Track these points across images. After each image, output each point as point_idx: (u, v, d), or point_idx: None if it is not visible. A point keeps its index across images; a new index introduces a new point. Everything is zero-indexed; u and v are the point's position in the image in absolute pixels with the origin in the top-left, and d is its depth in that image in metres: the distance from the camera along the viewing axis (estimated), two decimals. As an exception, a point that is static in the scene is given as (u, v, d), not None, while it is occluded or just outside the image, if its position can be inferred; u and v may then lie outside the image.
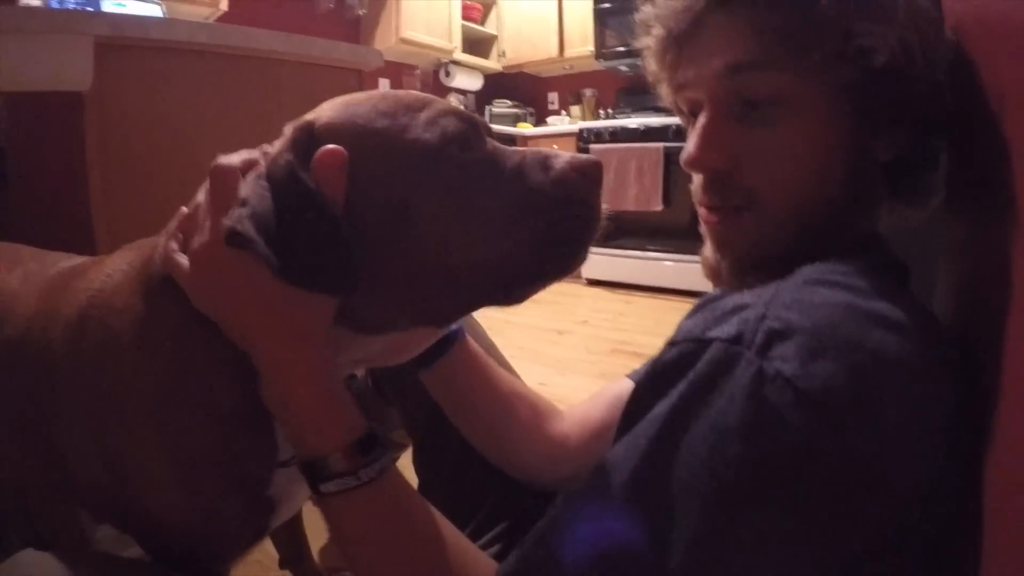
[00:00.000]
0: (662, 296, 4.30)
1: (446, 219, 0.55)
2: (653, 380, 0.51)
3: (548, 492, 0.87)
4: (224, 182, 0.54)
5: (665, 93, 0.76)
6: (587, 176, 0.59)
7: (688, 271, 4.19)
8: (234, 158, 0.56)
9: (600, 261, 4.53)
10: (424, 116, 0.57)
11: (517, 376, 0.94)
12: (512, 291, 0.60)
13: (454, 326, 0.81)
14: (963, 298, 0.63)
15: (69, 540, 0.93)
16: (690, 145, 0.65)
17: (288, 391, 0.55)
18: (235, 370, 0.58)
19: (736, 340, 0.46)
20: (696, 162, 0.65)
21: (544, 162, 0.59)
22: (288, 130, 0.56)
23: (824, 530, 0.44)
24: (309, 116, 0.58)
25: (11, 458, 0.76)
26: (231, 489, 0.63)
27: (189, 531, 0.64)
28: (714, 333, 0.48)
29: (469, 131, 0.58)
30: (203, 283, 0.55)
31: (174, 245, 0.58)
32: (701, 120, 0.64)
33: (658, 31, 0.70)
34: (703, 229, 0.70)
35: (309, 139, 0.54)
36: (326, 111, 0.58)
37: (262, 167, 0.54)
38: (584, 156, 0.60)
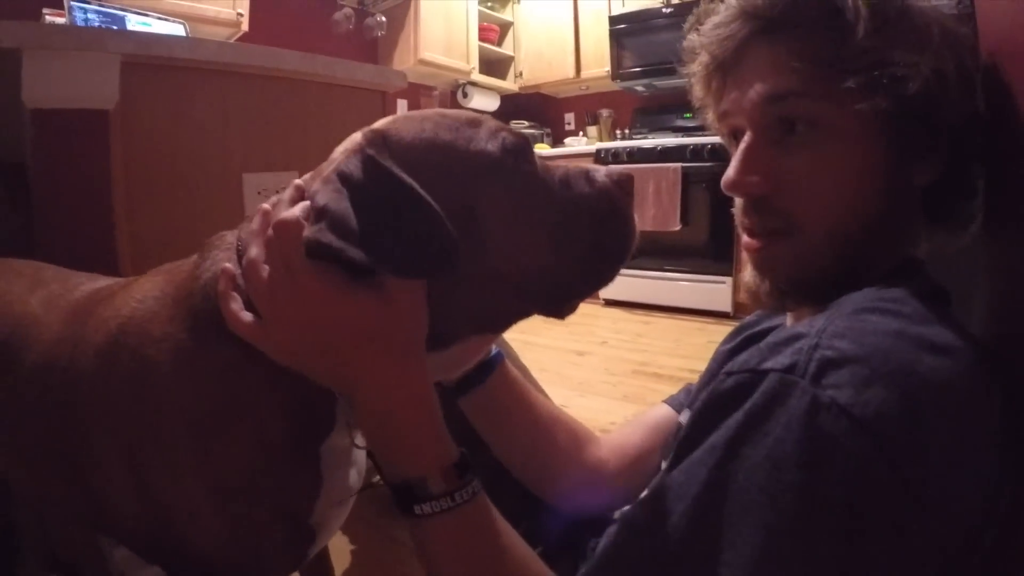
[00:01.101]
0: (681, 316, 4.27)
1: (509, 225, 0.58)
2: (710, 409, 0.52)
3: (582, 518, 0.87)
4: (289, 233, 0.54)
5: (711, 119, 0.77)
6: (623, 188, 0.64)
7: (706, 291, 4.17)
8: (294, 210, 0.55)
9: (618, 281, 4.33)
10: (484, 130, 0.59)
11: (551, 400, 0.94)
12: (563, 295, 0.63)
13: (493, 351, 0.83)
14: (1002, 321, 0.64)
15: (89, 564, 0.92)
16: (730, 169, 0.66)
17: (392, 414, 0.55)
18: (285, 404, 0.59)
19: (790, 370, 0.47)
20: (735, 185, 0.66)
21: (587, 175, 0.63)
22: (358, 136, 0.58)
23: (878, 555, 0.44)
24: (377, 126, 0.59)
25: (34, 484, 0.76)
26: (273, 520, 0.63)
27: (227, 563, 0.63)
28: (769, 364, 0.49)
29: (524, 144, 0.60)
30: (287, 333, 0.55)
31: (237, 305, 0.58)
32: (742, 144, 0.66)
33: (703, 58, 0.72)
34: (745, 254, 0.72)
35: (383, 140, 0.56)
36: (393, 123, 0.60)
37: (327, 172, 0.55)
38: (618, 169, 0.65)
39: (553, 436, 0.89)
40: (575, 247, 0.60)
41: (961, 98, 0.60)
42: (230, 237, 0.65)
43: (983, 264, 0.70)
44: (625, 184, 0.64)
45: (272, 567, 0.67)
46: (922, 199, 0.65)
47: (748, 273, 0.71)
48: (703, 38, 0.71)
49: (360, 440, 0.67)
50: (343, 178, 0.52)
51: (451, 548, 0.56)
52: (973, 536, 0.48)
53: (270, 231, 0.56)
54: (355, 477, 0.72)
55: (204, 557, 0.62)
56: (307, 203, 0.55)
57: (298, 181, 0.60)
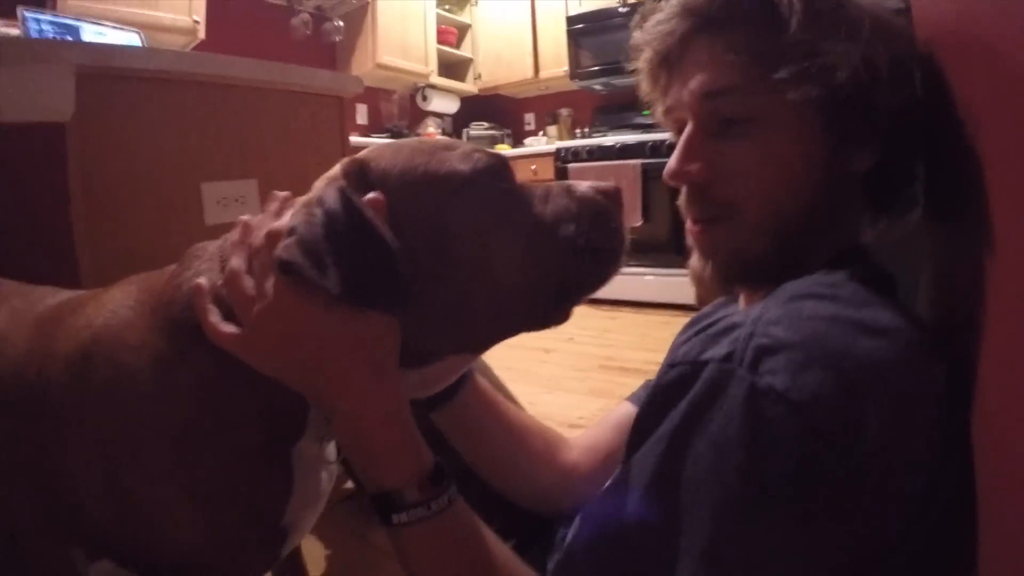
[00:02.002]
0: (646, 311, 4.31)
1: (484, 242, 0.59)
2: (655, 402, 0.54)
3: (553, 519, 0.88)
4: (259, 256, 0.56)
5: (659, 114, 0.79)
6: (609, 196, 0.65)
7: (670, 285, 4.21)
8: (285, 221, 0.56)
9: None
10: (458, 152, 0.61)
11: (523, 409, 0.95)
12: (551, 310, 0.63)
13: None
14: (941, 303, 0.66)
15: None
16: (671, 159, 0.69)
17: (368, 427, 0.56)
18: (260, 409, 0.60)
19: (728, 359, 0.49)
20: (675, 174, 0.69)
21: (568, 188, 0.65)
22: (339, 167, 0.59)
23: (826, 533, 0.46)
24: (358, 156, 0.61)
25: (3, 500, 0.75)
26: (249, 522, 0.64)
27: (203, 566, 0.64)
28: (708, 354, 0.50)
29: (498, 164, 0.62)
30: (268, 344, 0.56)
31: (215, 318, 0.58)
32: (683, 135, 0.69)
33: (647, 54, 0.74)
34: (689, 240, 0.74)
35: (360, 170, 0.58)
36: (372, 151, 0.61)
37: (312, 196, 0.56)
38: (604, 183, 0.66)
39: (527, 445, 0.89)
40: (557, 260, 0.61)
41: (895, 86, 0.62)
42: (211, 247, 0.65)
43: (925, 249, 0.72)
44: (610, 193, 0.65)
45: (245, 568, 0.68)
46: (862, 185, 0.67)
47: (693, 259, 0.74)
48: (646, 34, 0.73)
49: (330, 451, 0.68)
50: (319, 203, 0.53)
51: (430, 554, 0.57)
52: (917, 513, 0.49)
53: (257, 241, 0.57)
54: (326, 479, 0.72)
55: (180, 560, 0.63)
56: (276, 207, 0.57)
57: (282, 194, 0.62)
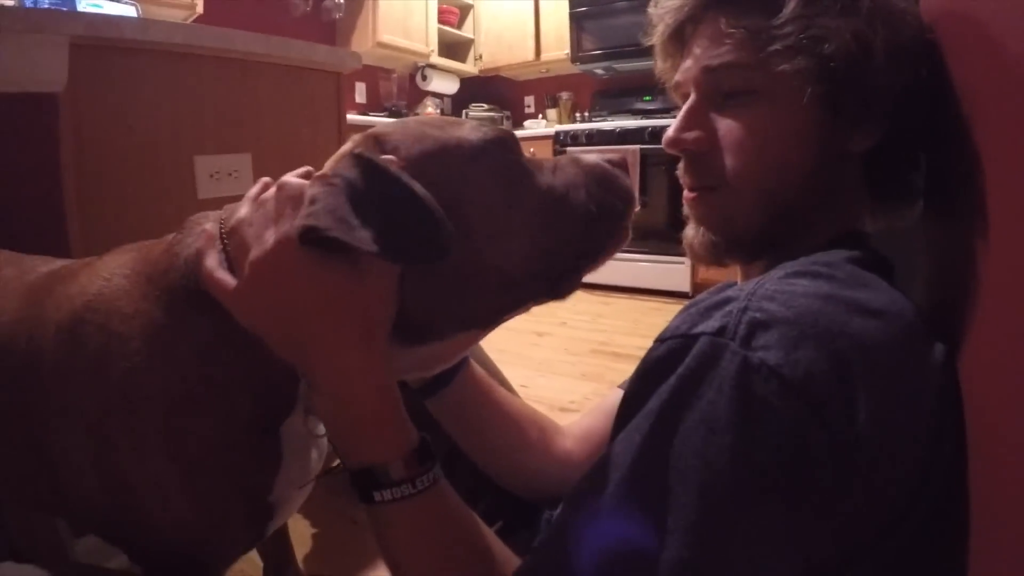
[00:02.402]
0: (640, 297, 4.32)
1: (497, 211, 0.58)
2: (644, 377, 0.53)
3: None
4: (289, 195, 0.55)
5: (669, 89, 0.80)
6: (616, 164, 0.66)
7: (665, 271, 4.23)
8: (300, 178, 0.56)
9: None
10: (467, 126, 0.61)
11: (516, 394, 0.95)
12: (563, 278, 0.62)
13: None
14: (939, 293, 0.65)
15: (46, 551, 0.91)
16: (671, 127, 0.71)
17: (352, 399, 0.55)
18: (252, 383, 0.60)
19: (720, 332, 0.48)
20: (673, 141, 0.71)
21: (576, 160, 0.65)
22: (350, 143, 0.59)
23: (815, 513, 0.45)
24: (369, 131, 0.61)
25: None
26: (236, 497, 0.64)
27: (189, 540, 0.63)
28: (700, 328, 0.49)
29: (506, 137, 0.62)
30: (260, 296, 0.55)
31: (213, 262, 0.58)
32: (685, 105, 0.71)
33: (659, 29, 0.76)
34: (685, 208, 0.75)
35: (374, 142, 0.58)
36: (384, 127, 0.61)
37: (326, 170, 0.56)
38: (614, 152, 0.68)
39: (523, 432, 0.89)
40: (568, 225, 0.61)
41: (893, 67, 0.62)
42: (212, 217, 0.64)
43: (924, 242, 0.72)
44: (616, 161, 0.66)
45: (231, 544, 0.67)
46: (862, 167, 0.67)
47: (689, 228, 0.75)
48: (660, 9, 0.75)
49: (320, 428, 0.67)
50: (335, 173, 0.53)
51: (410, 534, 0.55)
52: (908, 497, 0.49)
53: (269, 191, 0.57)
54: (316, 458, 0.72)
55: (166, 534, 0.63)
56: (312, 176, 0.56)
57: (306, 168, 0.61)
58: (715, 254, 0.72)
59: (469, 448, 0.88)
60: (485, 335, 0.68)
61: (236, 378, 0.59)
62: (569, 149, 4.54)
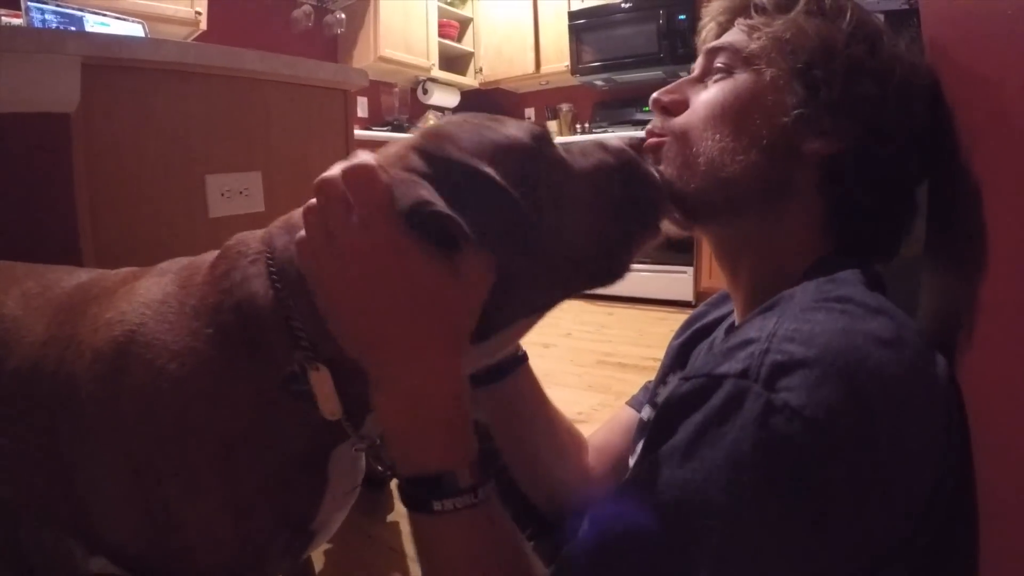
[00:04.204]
0: (644, 307, 4.33)
1: (551, 202, 0.58)
2: (669, 413, 0.53)
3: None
4: (369, 179, 0.51)
5: None
6: (634, 147, 0.68)
7: (668, 281, 4.23)
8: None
9: None
10: (511, 123, 0.61)
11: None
12: (611, 263, 0.64)
13: (521, 350, 0.84)
14: (943, 317, 0.66)
15: (60, 571, 0.90)
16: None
17: (429, 401, 0.53)
18: (309, 417, 0.58)
19: (744, 375, 0.48)
20: (653, 100, 0.77)
21: (599, 143, 0.67)
22: (408, 140, 0.58)
23: (834, 544, 0.47)
24: (427, 129, 0.61)
25: (10, 484, 0.74)
26: (281, 526, 0.63)
27: (227, 568, 0.62)
28: (723, 369, 0.50)
29: (545, 131, 0.62)
30: (351, 283, 0.51)
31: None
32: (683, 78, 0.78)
33: (702, 35, 0.82)
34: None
35: (437, 138, 0.57)
36: (440, 126, 0.61)
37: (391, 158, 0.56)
38: (628, 136, 0.70)
39: (558, 438, 0.90)
40: (610, 207, 0.62)
41: (855, 80, 0.64)
42: (254, 244, 0.62)
43: (925, 275, 0.73)
44: (634, 144, 0.69)
45: (269, 572, 0.66)
46: (818, 172, 0.68)
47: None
48: (704, 19, 0.82)
49: (359, 443, 0.64)
50: (405, 170, 0.52)
51: (465, 546, 0.54)
52: (920, 522, 0.50)
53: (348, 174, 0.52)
54: (359, 480, 0.71)
55: (204, 567, 0.61)
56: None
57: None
58: (683, 208, 0.74)
59: (506, 442, 0.88)
60: (539, 320, 0.68)
61: (293, 417, 0.58)
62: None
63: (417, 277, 0.51)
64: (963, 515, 0.50)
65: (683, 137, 0.71)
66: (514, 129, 0.60)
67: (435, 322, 0.52)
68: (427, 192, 0.50)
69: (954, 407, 0.53)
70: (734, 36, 0.73)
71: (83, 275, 0.77)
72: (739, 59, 0.71)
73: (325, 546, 1.54)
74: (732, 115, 0.69)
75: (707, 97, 0.72)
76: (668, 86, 0.77)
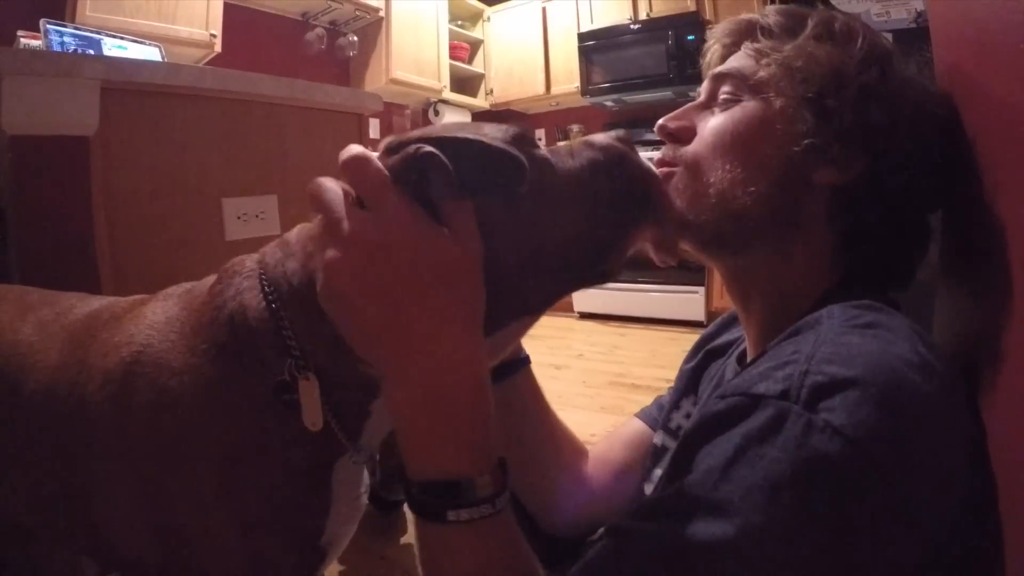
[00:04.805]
0: (655, 327, 4.32)
1: (537, 201, 0.58)
2: (704, 431, 0.53)
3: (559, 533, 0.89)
4: (364, 162, 0.52)
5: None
6: (623, 141, 0.66)
7: (680, 301, 4.23)
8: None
9: (591, 294, 4.55)
10: (490, 127, 0.60)
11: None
12: (604, 262, 0.63)
13: (523, 352, 0.85)
14: (960, 338, 0.67)
15: None
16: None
17: (447, 391, 0.50)
18: (300, 422, 0.58)
19: (784, 396, 0.48)
20: (658, 127, 0.76)
21: (587, 142, 0.66)
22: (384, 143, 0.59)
23: (871, 563, 0.46)
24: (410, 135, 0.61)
25: (26, 506, 0.74)
26: (291, 544, 0.63)
27: None
28: (761, 389, 0.50)
29: (526, 133, 0.62)
30: (361, 269, 0.50)
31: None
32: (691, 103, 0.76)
33: (707, 57, 0.81)
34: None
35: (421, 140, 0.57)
36: (407, 134, 0.61)
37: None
38: (613, 131, 0.67)
39: (559, 445, 0.90)
40: (598, 204, 0.62)
41: (865, 108, 0.64)
42: (249, 263, 0.64)
43: (940, 298, 0.74)
44: (623, 137, 0.66)
45: None
46: (828, 203, 0.68)
47: None
48: (709, 41, 0.81)
49: (357, 455, 0.63)
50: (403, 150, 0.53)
51: (480, 559, 0.51)
52: (951, 538, 0.50)
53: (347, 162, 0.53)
54: (365, 494, 0.71)
55: None
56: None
57: None
58: (679, 229, 0.72)
59: (508, 455, 0.87)
60: (535, 322, 0.67)
61: (291, 428, 0.58)
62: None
63: (425, 243, 0.50)
64: (987, 533, 0.51)
65: (694, 167, 0.70)
66: (490, 129, 0.60)
67: (451, 291, 0.50)
68: (417, 146, 0.51)
69: (976, 429, 0.54)
70: (741, 61, 0.72)
71: (95, 302, 0.79)
72: (747, 86, 0.70)
73: (338, 567, 1.54)
74: (741, 145, 0.68)
75: (715, 125, 0.71)
76: (674, 112, 0.76)
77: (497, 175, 0.53)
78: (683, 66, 4.61)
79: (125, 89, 1.33)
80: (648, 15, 4.83)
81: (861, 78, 0.64)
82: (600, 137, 0.66)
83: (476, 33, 5.79)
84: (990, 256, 0.55)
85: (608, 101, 5.25)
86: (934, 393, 0.49)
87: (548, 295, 0.63)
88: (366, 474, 0.71)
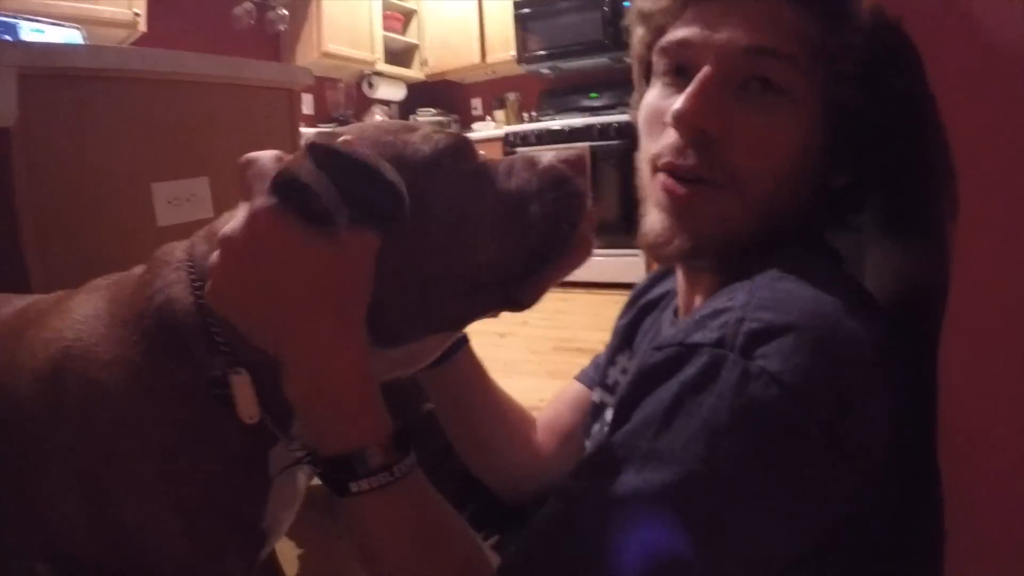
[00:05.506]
0: (598, 291, 4.36)
1: (447, 222, 0.58)
2: (641, 382, 0.54)
3: (523, 504, 0.90)
4: (258, 168, 0.54)
5: (638, 40, 0.73)
6: (571, 165, 0.63)
7: (621, 264, 4.27)
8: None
9: None
10: (419, 134, 0.60)
11: None
12: (518, 289, 0.62)
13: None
14: (896, 292, 0.67)
15: None
16: (685, 100, 0.61)
17: (329, 378, 0.53)
18: (233, 414, 0.58)
19: (719, 344, 0.49)
20: (690, 119, 0.61)
21: (531, 160, 0.64)
22: (309, 135, 0.59)
23: (812, 505, 0.49)
24: (325, 132, 0.60)
25: None
26: (231, 529, 0.63)
27: (186, 570, 0.63)
28: (697, 338, 0.51)
29: (459, 144, 0.61)
30: (235, 269, 0.53)
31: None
32: (700, 77, 0.62)
33: None
34: (656, 199, 0.67)
35: (330, 139, 0.56)
36: (338, 130, 0.61)
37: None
38: (568, 151, 0.64)
39: (507, 421, 0.91)
40: (523, 231, 0.60)
41: (888, 120, 0.63)
42: (178, 251, 0.64)
43: (872, 264, 0.75)
44: (572, 160, 0.64)
45: (227, 574, 0.67)
46: (829, 201, 0.67)
47: (656, 220, 0.66)
48: None
49: (291, 444, 0.63)
50: (304, 155, 0.53)
51: (387, 524, 0.54)
52: (889, 479, 0.52)
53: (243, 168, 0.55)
54: (302, 479, 0.72)
55: (163, 571, 0.62)
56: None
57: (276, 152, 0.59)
58: (688, 256, 0.66)
59: (455, 429, 0.88)
60: (455, 337, 0.68)
61: (225, 417, 0.58)
62: (519, 150, 4.57)
63: (295, 250, 0.52)
64: (924, 474, 0.52)
65: (743, 183, 0.62)
66: (418, 139, 0.60)
67: (321, 294, 0.52)
68: (299, 170, 0.51)
69: (910, 378, 0.54)
70: (789, 39, 0.60)
71: (19, 302, 0.77)
72: (802, 80, 0.61)
73: (296, 550, 1.55)
74: (794, 155, 0.63)
75: (769, 132, 0.62)
76: (696, 99, 0.61)
77: (378, 202, 0.54)
78: (619, 32, 4.60)
79: (44, 75, 1.27)
80: (584, -19, 4.82)
81: (887, 86, 0.62)
82: (546, 159, 0.63)
83: (410, 3, 5.70)
84: (930, 209, 0.56)
85: (544, 69, 5.25)
86: (868, 338, 0.50)
87: (460, 315, 0.63)
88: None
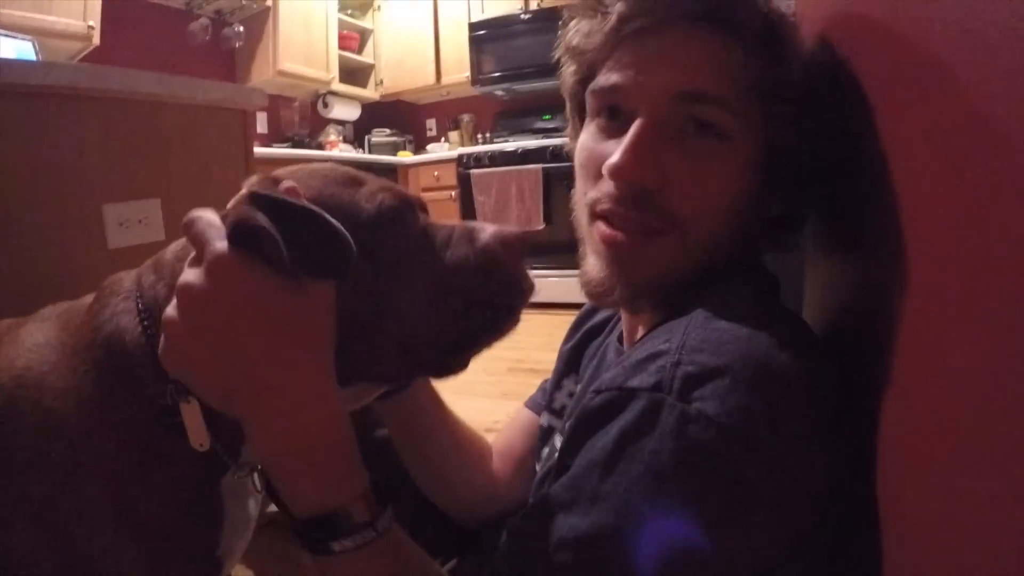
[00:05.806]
0: (551, 312, 4.35)
1: (386, 283, 0.58)
2: (582, 427, 0.55)
3: (479, 529, 0.91)
4: (206, 221, 0.52)
5: (569, 75, 0.74)
6: (510, 246, 0.62)
7: (574, 285, 4.10)
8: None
9: None
10: (364, 190, 0.60)
11: None
12: (447, 359, 0.62)
13: None
14: (831, 311, 0.70)
15: None
16: (622, 154, 0.61)
17: (305, 430, 0.51)
18: (183, 442, 0.58)
19: (657, 388, 0.50)
20: (626, 173, 0.61)
21: (470, 235, 0.62)
22: (245, 187, 0.57)
23: (754, 539, 0.49)
24: (270, 174, 0.60)
25: None
26: (188, 556, 0.64)
27: None
28: (635, 382, 0.52)
29: (403, 207, 0.61)
30: (196, 319, 0.49)
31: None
32: (634, 130, 0.61)
33: (620, 8, 0.64)
34: (595, 247, 0.68)
35: (272, 183, 0.56)
36: (284, 171, 0.61)
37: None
38: (508, 228, 0.62)
39: (463, 450, 0.91)
40: (453, 308, 0.60)
41: (819, 151, 0.65)
42: (127, 281, 0.64)
43: (810, 277, 0.77)
44: (511, 241, 0.62)
45: None
46: (766, 229, 0.69)
47: (595, 267, 0.67)
48: None
49: (255, 480, 0.63)
50: (248, 204, 0.52)
51: None
52: (830, 507, 0.52)
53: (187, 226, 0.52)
54: (253, 506, 0.72)
55: None
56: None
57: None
58: (633, 301, 0.67)
59: (413, 462, 0.88)
60: (394, 384, 0.67)
61: (175, 445, 0.59)
62: (472, 171, 4.65)
63: (263, 295, 0.50)
64: (862, 503, 0.53)
65: (686, 227, 0.63)
66: (363, 196, 0.60)
67: (292, 340, 0.50)
68: (256, 218, 0.49)
69: (843, 402, 0.55)
70: (727, 82, 0.61)
71: None
72: (739, 123, 0.61)
73: (251, 577, 1.53)
74: (733, 195, 0.64)
75: (707, 175, 0.62)
76: (631, 151, 0.61)
77: (325, 253, 0.52)
78: (571, 56, 4.69)
79: (-7, 91, 1.26)
80: (539, 5, 4.91)
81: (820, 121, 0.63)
82: (487, 234, 0.62)
83: (366, 22, 5.72)
84: (869, 225, 0.57)
85: (499, 90, 5.30)
86: (802, 371, 0.51)
87: (388, 375, 0.63)
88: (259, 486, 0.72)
